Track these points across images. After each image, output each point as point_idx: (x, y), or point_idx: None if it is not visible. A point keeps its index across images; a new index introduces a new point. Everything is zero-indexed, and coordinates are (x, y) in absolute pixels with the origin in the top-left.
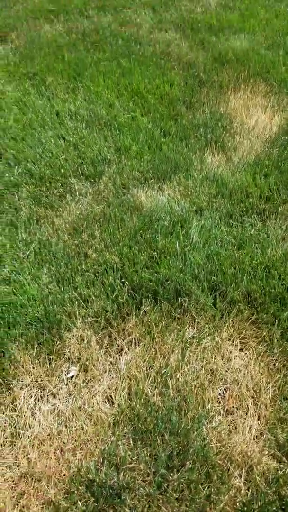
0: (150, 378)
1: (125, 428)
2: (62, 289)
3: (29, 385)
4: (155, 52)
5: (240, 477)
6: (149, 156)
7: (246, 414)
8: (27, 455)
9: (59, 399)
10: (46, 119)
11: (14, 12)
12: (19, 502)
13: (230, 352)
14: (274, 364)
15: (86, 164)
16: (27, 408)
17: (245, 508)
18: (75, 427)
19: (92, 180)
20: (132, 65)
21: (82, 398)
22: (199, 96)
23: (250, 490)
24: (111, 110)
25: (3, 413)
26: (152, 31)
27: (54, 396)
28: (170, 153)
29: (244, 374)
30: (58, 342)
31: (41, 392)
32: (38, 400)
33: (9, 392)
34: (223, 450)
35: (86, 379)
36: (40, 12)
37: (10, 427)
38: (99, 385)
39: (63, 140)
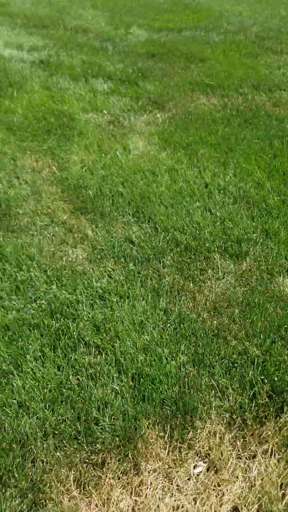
0: (285, 500)
1: None
2: (199, 372)
3: (156, 471)
4: None
5: None
6: None
7: None
8: None
9: (185, 496)
10: (195, 190)
11: (174, 82)
12: None
13: None
14: None
15: (231, 242)
16: (152, 497)
17: None
18: None
19: (235, 259)
20: (285, 147)
21: (209, 501)
22: None
23: None
24: (261, 190)
25: (128, 495)
26: None
27: (180, 491)
28: None
29: None
30: (190, 431)
31: (168, 482)
32: (164, 491)
33: (136, 473)
34: None
35: (214, 480)
36: (198, 85)
37: None
38: (227, 491)
39: (209, 213)
